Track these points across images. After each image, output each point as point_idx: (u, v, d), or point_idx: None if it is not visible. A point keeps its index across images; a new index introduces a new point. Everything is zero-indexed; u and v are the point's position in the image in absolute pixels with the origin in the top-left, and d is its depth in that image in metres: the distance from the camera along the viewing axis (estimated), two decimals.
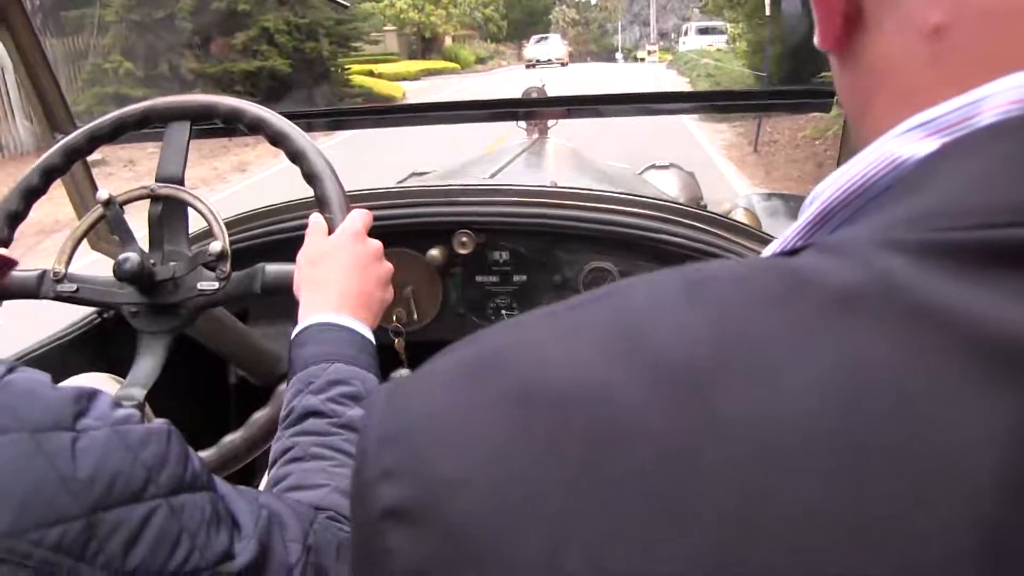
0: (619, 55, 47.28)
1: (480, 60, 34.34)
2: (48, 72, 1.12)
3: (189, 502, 0.42)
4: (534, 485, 0.21)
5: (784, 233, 0.28)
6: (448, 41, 33.19)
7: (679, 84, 17.47)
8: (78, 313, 1.09)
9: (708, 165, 6.90)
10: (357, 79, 17.06)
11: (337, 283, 0.72)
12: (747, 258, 0.22)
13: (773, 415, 0.20)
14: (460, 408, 0.23)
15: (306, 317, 0.70)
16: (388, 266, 0.78)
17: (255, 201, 1.23)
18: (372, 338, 0.71)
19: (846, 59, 0.30)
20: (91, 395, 0.42)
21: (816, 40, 0.30)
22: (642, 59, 38.76)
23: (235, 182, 7.78)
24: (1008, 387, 0.19)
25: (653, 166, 2.15)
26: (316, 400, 0.63)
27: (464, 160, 2.00)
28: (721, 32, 27.49)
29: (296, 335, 0.70)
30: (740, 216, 1.63)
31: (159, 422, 0.45)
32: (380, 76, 22.33)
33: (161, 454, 0.42)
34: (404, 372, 1.03)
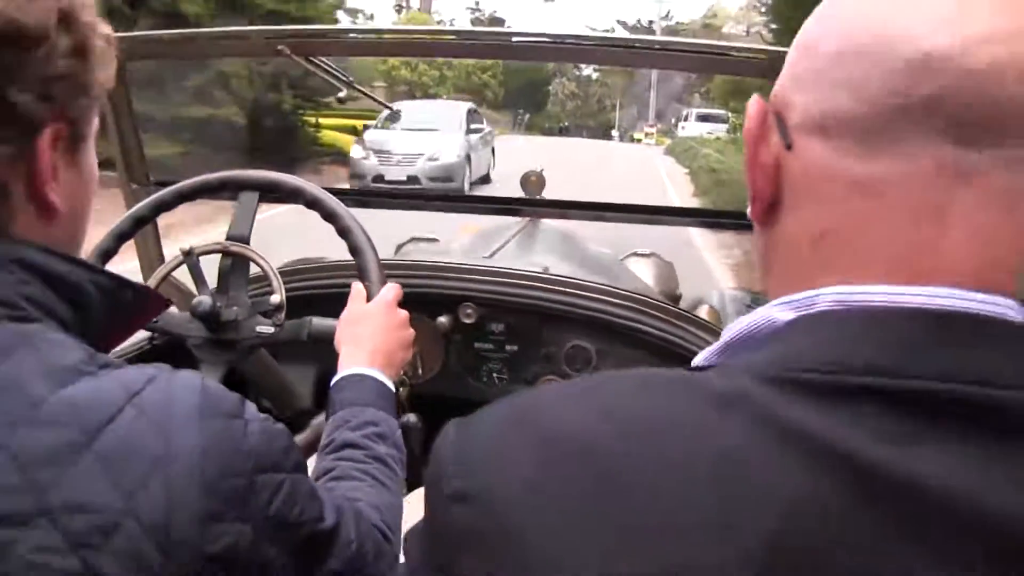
0: (615, 132, 48.66)
1: None
2: (132, 126, 1.43)
3: (300, 479, 0.62)
4: (544, 495, 0.39)
5: (706, 351, 0.48)
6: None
7: (677, 173, 17.40)
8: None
9: (694, 257, 7.31)
10: (329, 136, 16.79)
11: (371, 342, 0.96)
12: (676, 369, 0.45)
13: (659, 462, 0.39)
14: (504, 444, 0.42)
15: (345, 367, 0.94)
16: (411, 332, 1.04)
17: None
18: (393, 389, 0.95)
19: (764, 231, 0.48)
20: (243, 399, 0.61)
21: (749, 213, 0.49)
22: (639, 140, 39.62)
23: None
24: (796, 460, 0.37)
25: (635, 253, 2.49)
26: (353, 435, 0.85)
27: (463, 239, 2.32)
28: (722, 120, 27.98)
29: (336, 381, 0.93)
30: (704, 313, 1.95)
31: (280, 426, 0.66)
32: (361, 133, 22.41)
33: (287, 444, 0.62)
34: (412, 417, 1.30)
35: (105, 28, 0.62)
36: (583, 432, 0.40)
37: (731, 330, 0.46)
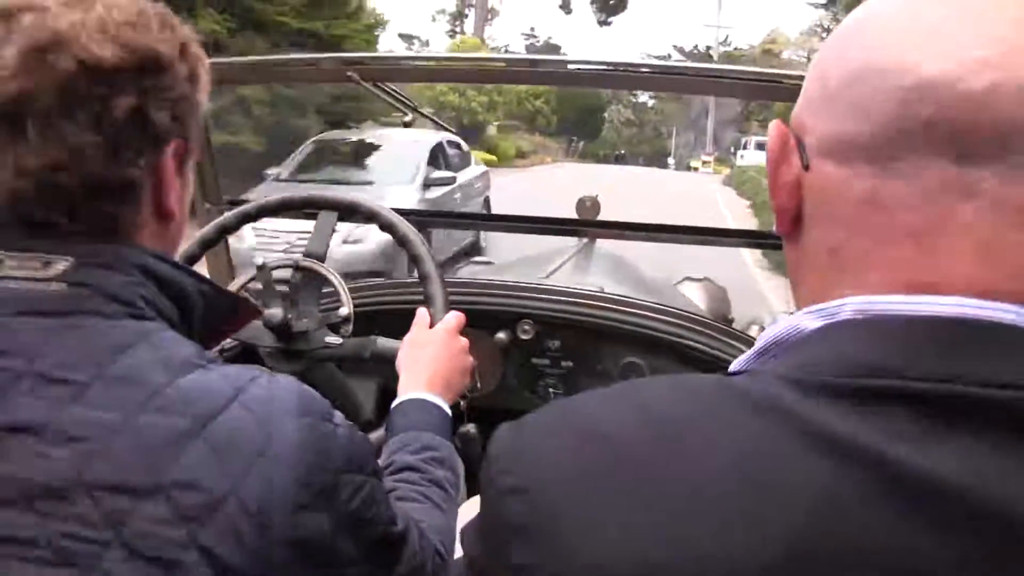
0: (671, 160, 48.55)
1: (521, 155, 32.84)
2: (208, 147, 1.55)
3: (378, 484, 0.69)
4: (586, 489, 0.43)
5: (741, 358, 0.53)
6: (492, 130, 32.14)
7: (737, 205, 17.03)
8: None
9: (747, 282, 7.31)
10: None
11: (432, 367, 1.02)
12: (710, 374, 0.49)
13: (700, 452, 0.43)
14: (551, 442, 0.47)
15: (406, 391, 0.99)
16: (471, 359, 1.08)
17: None
18: (451, 414, 0.99)
19: (790, 245, 0.53)
20: (332, 405, 0.67)
21: (775, 227, 0.54)
22: (695, 168, 39.39)
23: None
24: (821, 458, 0.40)
25: (688, 278, 2.54)
26: (412, 459, 0.90)
27: (518, 254, 2.41)
28: None
29: (397, 404, 0.98)
30: (754, 333, 1.99)
31: (362, 434, 0.70)
32: None
33: (369, 451, 0.69)
34: (471, 427, 1.37)
35: (207, 59, 0.72)
36: (620, 430, 0.45)
37: (763, 338, 0.50)
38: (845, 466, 0.40)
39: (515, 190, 17.02)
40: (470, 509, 1.06)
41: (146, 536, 0.56)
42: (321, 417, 0.65)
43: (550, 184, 15.21)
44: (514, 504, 0.45)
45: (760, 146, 30.92)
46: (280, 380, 0.66)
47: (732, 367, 0.52)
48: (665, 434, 0.44)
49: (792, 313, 0.51)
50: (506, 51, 52.84)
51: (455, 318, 1.10)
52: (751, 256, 8.83)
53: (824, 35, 38.83)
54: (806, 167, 0.49)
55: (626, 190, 15.37)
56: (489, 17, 45.92)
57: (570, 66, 1.47)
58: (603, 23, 44.08)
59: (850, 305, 0.46)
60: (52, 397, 0.59)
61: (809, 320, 0.48)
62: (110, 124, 0.62)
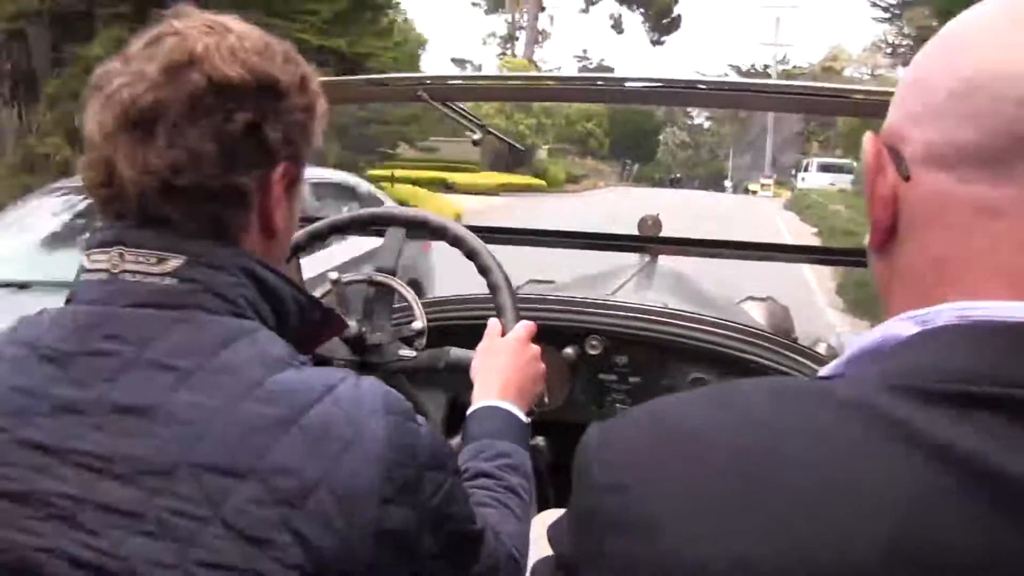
0: (728, 183, 48.00)
1: (572, 179, 32.96)
2: None
3: (459, 483, 0.74)
4: (680, 486, 0.45)
5: (832, 363, 0.53)
6: (543, 154, 31.84)
7: (802, 231, 16.10)
8: None
9: (810, 301, 7.25)
10: (397, 190, 14.86)
11: (505, 375, 1.05)
12: (803, 378, 0.52)
13: (799, 455, 0.44)
14: (644, 440, 0.49)
15: (480, 399, 1.02)
16: (543, 366, 1.10)
17: None
18: (525, 421, 1.02)
19: (882, 256, 0.53)
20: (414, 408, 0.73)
21: (867, 241, 0.55)
22: (754, 191, 38.88)
23: None
24: (917, 462, 0.41)
25: (751, 298, 2.56)
26: (487, 465, 0.93)
27: (578, 275, 2.46)
28: (847, 171, 27.01)
29: (472, 411, 1.01)
30: (822, 350, 2.01)
31: (443, 436, 0.80)
32: (454, 186, 21.37)
33: (450, 451, 0.74)
34: (540, 440, 1.42)
35: (324, 98, 0.80)
36: (714, 430, 0.47)
37: (856, 343, 0.51)
38: (940, 470, 0.41)
39: (566, 214, 16.72)
40: (540, 520, 1.10)
41: (243, 515, 0.62)
42: (405, 416, 0.70)
43: (603, 208, 14.93)
44: (611, 499, 0.47)
45: (823, 167, 30.37)
46: (367, 381, 0.71)
47: (823, 372, 0.54)
48: (761, 436, 0.45)
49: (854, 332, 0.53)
50: (557, 72, 53.09)
51: (526, 327, 1.14)
52: (814, 275, 8.74)
53: (888, 50, 38.30)
54: (906, 177, 0.51)
55: (684, 213, 14.93)
56: (540, 39, 46.31)
57: (632, 84, 1.52)
58: (656, 43, 44.11)
59: (948, 311, 0.47)
60: (160, 382, 0.65)
61: (905, 326, 0.49)
62: (228, 136, 0.70)
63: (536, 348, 1.13)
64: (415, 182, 17.86)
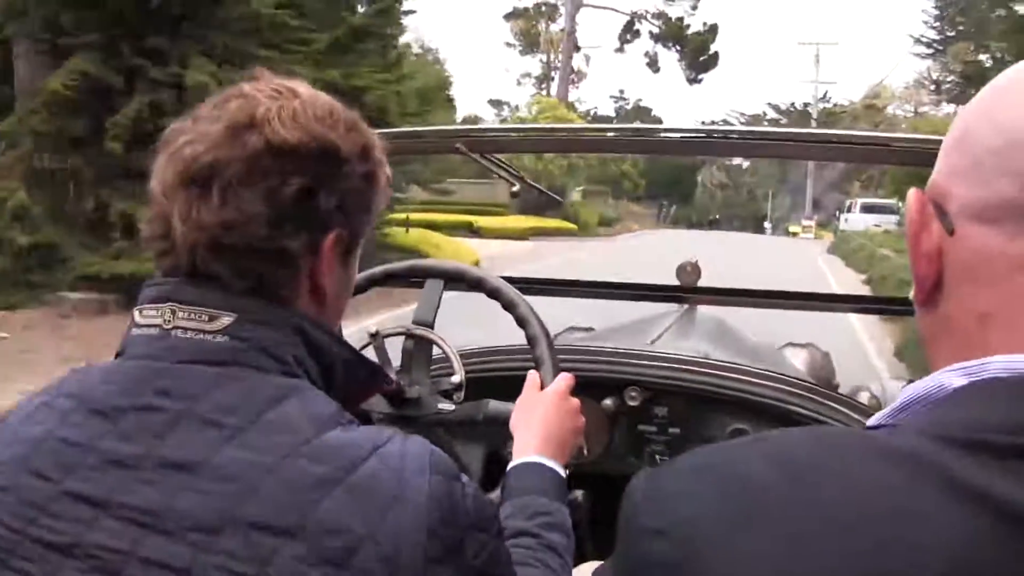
0: (768, 224, 47.83)
1: (605, 222, 32.70)
2: None
3: (502, 545, 0.76)
4: (728, 531, 0.46)
5: (880, 413, 0.55)
6: (576, 195, 32.09)
7: (847, 277, 15.89)
8: None
9: (854, 346, 7.17)
10: (414, 237, 14.93)
11: (544, 429, 1.07)
12: (851, 427, 0.53)
13: (840, 498, 0.45)
14: (693, 485, 0.50)
15: (520, 454, 1.04)
16: (582, 420, 1.12)
17: None
18: (564, 476, 1.04)
19: (928, 310, 0.55)
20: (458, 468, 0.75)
21: (911, 294, 0.57)
22: (795, 233, 38.62)
23: None
24: (962, 512, 0.42)
25: (791, 344, 2.58)
26: (528, 524, 0.94)
27: (617, 322, 2.49)
28: (891, 211, 26.60)
29: (512, 467, 1.03)
30: (864, 399, 2.02)
31: (487, 496, 0.78)
32: (480, 230, 21.34)
33: (495, 513, 0.77)
34: (578, 494, 1.43)
35: (388, 168, 0.83)
36: (761, 477, 0.48)
37: (905, 393, 0.52)
38: (986, 520, 0.42)
39: (598, 260, 16.31)
40: (578, 573, 1.11)
41: (290, 573, 0.63)
42: (451, 476, 0.71)
43: (639, 253, 14.70)
44: (658, 544, 0.49)
45: (867, 208, 29.88)
46: (413, 441, 0.73)
47: (871, 422, 0.55)
48: (805, 481, 0.47)
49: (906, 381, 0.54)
50: (594, 114, 53.57)
51: (565, 380, 1.15)
52: (859, 323, 8.65)
53: (932, 87, 38.12)
54: (950, 232, 0.52)
55: (723, 257, 14.41)
56: (575, 79, 46.78)
57: (670, 135, 1.56)
58: (693, 81, 44.33)
59: (997, 363, 0.48)
60: (209, 438, 0.67)
61: (953, 377, 0.50)
62: (280, 199, 0.73)
63: (575, 401, 1.14)
64: (434, 226, 17.41)
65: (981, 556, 0.42)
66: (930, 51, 36.52)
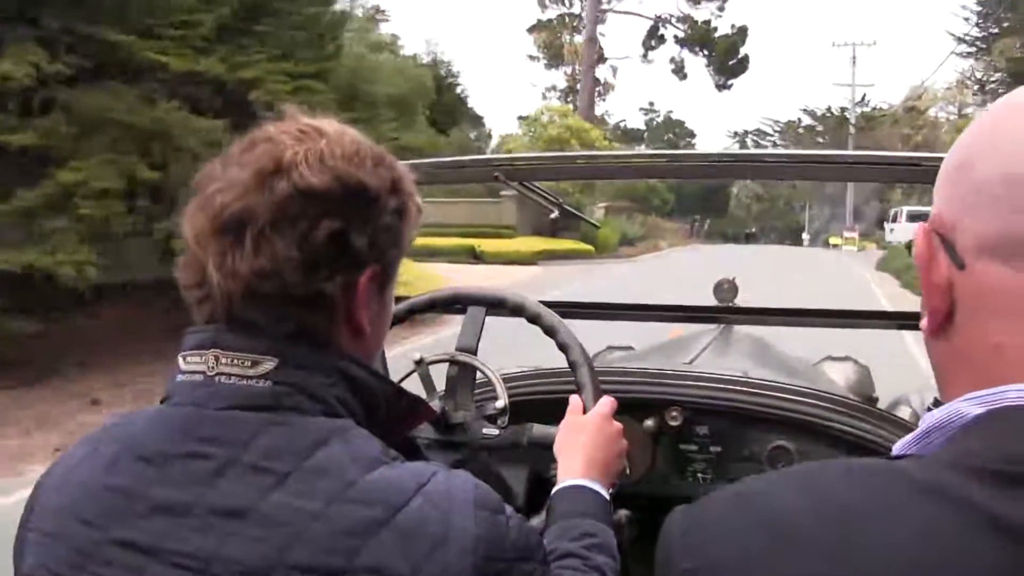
0: (806, 236, 47.28)
1: (627, 241, 31.68)
2: None
3: (547, 571, 0.80)
4: (762, 569, 0.50)
5: (903, 441, 0.58)
6: (599, 213, 31.14)
7: (901, 297, 14.95)
8: None
9: (902, 360, 7.15)
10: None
11: (588, 452, 1.12)
12: (877, 459, 0.54)
13: (871, 543, 0.48)
14: (727, 525, 0.53)
15: (564, 478, 1.09)
16: (625, 442, 1.18)
17: None
18: (608, 498, 1.08)
19: (938, 343, 0.58)
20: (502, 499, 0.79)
21: (922, 325, 0.60)
22: (836, 245, 38.24)
23: None
24: (988, 543, 0.45)
25: (830, 357, 2.65)
26: (574, 546, 0.97)
27: (656, 341, 2.57)
28: None
29: (557, 491, 1.08)
30: (905, 414, 2.10)
31: (531, 524, 0.82)
32: (483, 255, 20.49)
33: (539, 541, 0.81)
34: (622, 514, 1.52)
35: (418, 197, 0.87)
36: (793, 515, 0.51)
37: (925, 421, 0.56)
38: (1012, 550, 0.45)
39: (622, 277, 15.64)
40: None
41: None
42: (495, 510, 0.76)
43: (667, 273, 14.12)
44: (685, 559, 0.53)
45: (913, 217, 29.13)
46: (457, 475, 0.77)
47: (896, 449, 0.58)
48: (836, 519, 0.50)
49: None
50: (623, 127, 53.49)
51: (607, 403, 1.21)
52: (910, 333, 8.60)
53: (976, 87, 37.77)
54: (960, 267, 0.55)
55: (762, 272, 13.89)
56: (602, 92, 46.75)
57: (699, 161, 1.65)
58: (722, 86, 44.07)
59: (1014, 391, 0.51)
60: (256, 484, 0.71)
61: (970, 406, 0.52)
62: (312, 243, 0.75)
63: (618, 425, 1.21)
64: (429, 252, 16.40)
65: None
66: (972, 49, 36.20)
